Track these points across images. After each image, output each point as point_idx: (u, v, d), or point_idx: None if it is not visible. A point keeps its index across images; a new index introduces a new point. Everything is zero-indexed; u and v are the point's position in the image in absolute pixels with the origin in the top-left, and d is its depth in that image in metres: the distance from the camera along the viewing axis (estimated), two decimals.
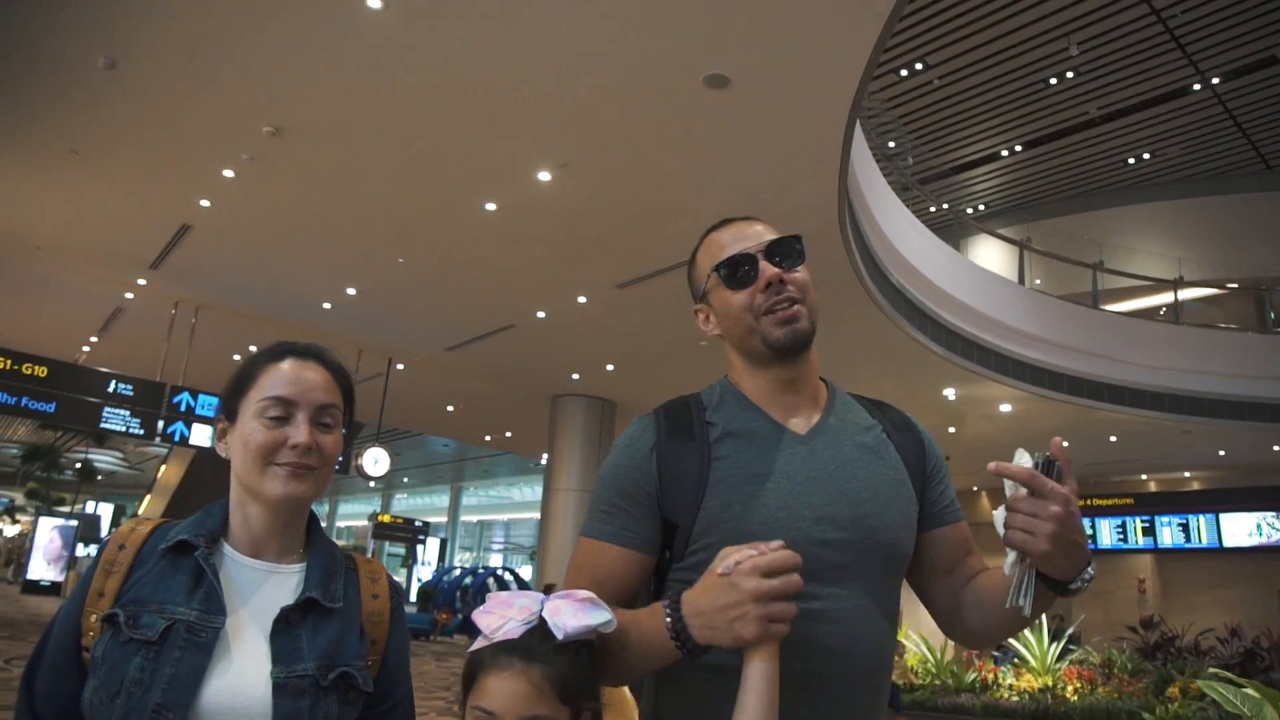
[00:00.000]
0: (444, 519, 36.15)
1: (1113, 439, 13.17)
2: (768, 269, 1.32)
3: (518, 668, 1.12)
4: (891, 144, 15.69)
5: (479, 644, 1.16)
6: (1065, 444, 1.16)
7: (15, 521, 43.65)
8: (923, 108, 15.03)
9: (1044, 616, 9.31)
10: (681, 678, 1.25)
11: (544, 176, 6.91)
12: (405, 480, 35.05)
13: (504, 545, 37.20)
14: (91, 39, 5.64)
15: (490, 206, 7.45)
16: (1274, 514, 14.16)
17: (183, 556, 1.19)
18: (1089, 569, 1.15)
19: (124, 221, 8.44)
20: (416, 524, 27.25)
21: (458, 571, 25.06)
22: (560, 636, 1.13)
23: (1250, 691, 3.47)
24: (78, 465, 35.71)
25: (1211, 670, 5.60)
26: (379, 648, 1.27)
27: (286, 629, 1.18)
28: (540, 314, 9.86)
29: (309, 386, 1.24)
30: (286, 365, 1.26)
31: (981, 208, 18.51)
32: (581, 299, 9.31)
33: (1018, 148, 16.21)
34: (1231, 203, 15.58)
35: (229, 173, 7.23)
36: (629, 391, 12.65)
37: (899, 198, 10.17)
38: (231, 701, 1.12)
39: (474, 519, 37.96)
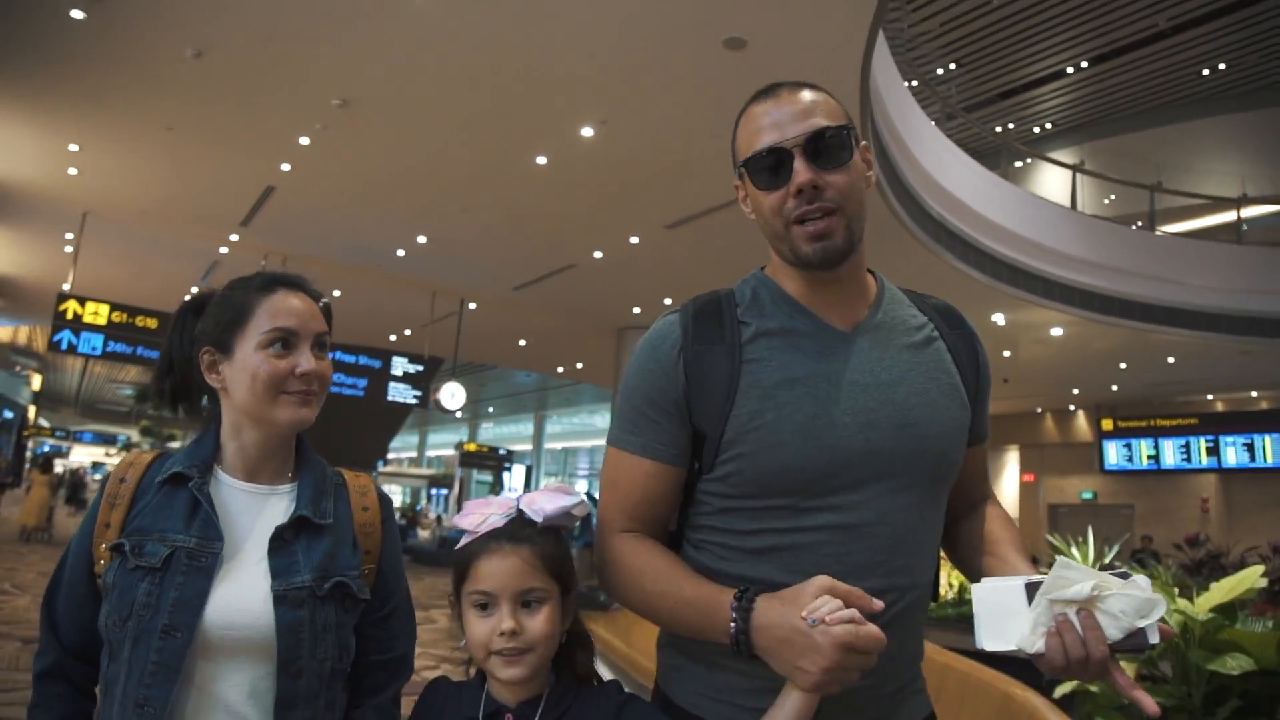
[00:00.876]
0: (529, 446, 37.26)
1: (1170, 360, 13.29)
2: (801, 171, 1.18)
3: (507, 549, 1.19)
4: (940, 70, 15.62)
5: (465, 540, 1.23)
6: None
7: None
8: (984, 27, 14.90)
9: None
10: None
11: (587, 132, 7.53)
12: (490, 410, 36.29)
13: (589, 471, 38.31)
14: (182, 32, 6.43)
15: (541, 160, 8.12)
16: None
17: (179, 487, 1.26)
18: None
19: (216, 187, 9.38)
20: (501, 452, 28.50)
21: None
22: (540, 520, 1.21)
23: None
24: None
25: None
26: (373, 557, 1.33)
27: (282, 546, 1.25)
28: (597, 254, 10.54)
29: (307, 316, 1.30)
30: (284, 295, 1.30)
31: (1049, 126, 18.27)
32: (634, 239, 9.95)
33: (1084, 64, 15.95)
34: None
35: (305, 140, 8.05)
36: None
37: (942, 128, 10.40)
38: (235, 617, 1.20)
39: (559, 446, 39.31)
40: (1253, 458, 15.02)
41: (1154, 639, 1.00)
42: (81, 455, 50.71)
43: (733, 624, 1.08)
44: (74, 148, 8.63)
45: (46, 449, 42.37)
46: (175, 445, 35.21)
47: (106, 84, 7.32)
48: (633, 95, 6.96)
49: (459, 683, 1.27)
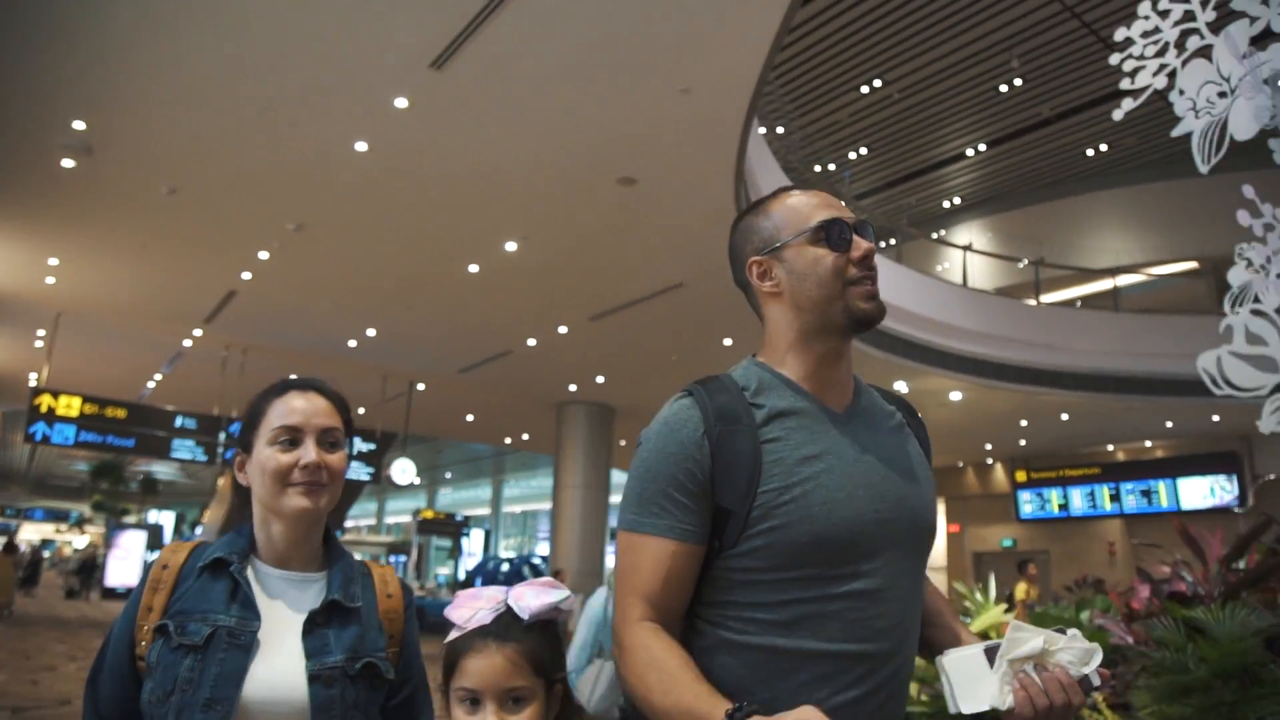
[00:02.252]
0: (488, 510, 37.28)
1: (1064, 417, 14.76)
2: (863, 242, 1.33)
3: (493, 647, 1.23)
4: (853, 155, 17.29)
5: (454, 634, 1.27)
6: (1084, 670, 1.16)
7: (84, 533, 46.93)
8: (890, 116, 16.57)
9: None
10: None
11: (510, 246, 8.83)
12: (448, 476, 36.97)
13: (548, 534, 38.61)
14: (158, 173, 7.64)
15: (473, 269, 9.40)
16: (1224, 477, 15.61)
17: (219, 572, 1.35)
18: None
19: (183, 291, 10.54)
20: (458, 518, 29.14)
21: (494, 562, 26.76)
22: (526, 617, 1.26)
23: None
24: (140, 478, 38.61)
25: None
26: (396, 640, 1.43)
27: (315, 628, 1.34)
28: (531, 342, 11.79)
29: (312, 413, 1.40)
30: (291, 397, 1.42)
31: (957, 201, 20.03)
32: (563, 329, 11.23)
33: (982, 146, 17.72)
34: (1181, 186, 16.91)
35: (264, 255, 9.25)
36: (622, 397, 14.58)
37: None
38: (272, 693, 1.29)
39: (518, 509, 39.94)
40: (1150, 502, 16.49)
41: (1097, 682, 1.16)
42: (30, 533, 50.07)
43: None
44: (53, 262, 9.75)
45: None
46: (130, 520, 35.44)
47: (89, 212, 8.50)
48: (548, 218, 8.29)
49: None
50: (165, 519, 42.75)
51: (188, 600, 1.33)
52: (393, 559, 37.54)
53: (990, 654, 1.18)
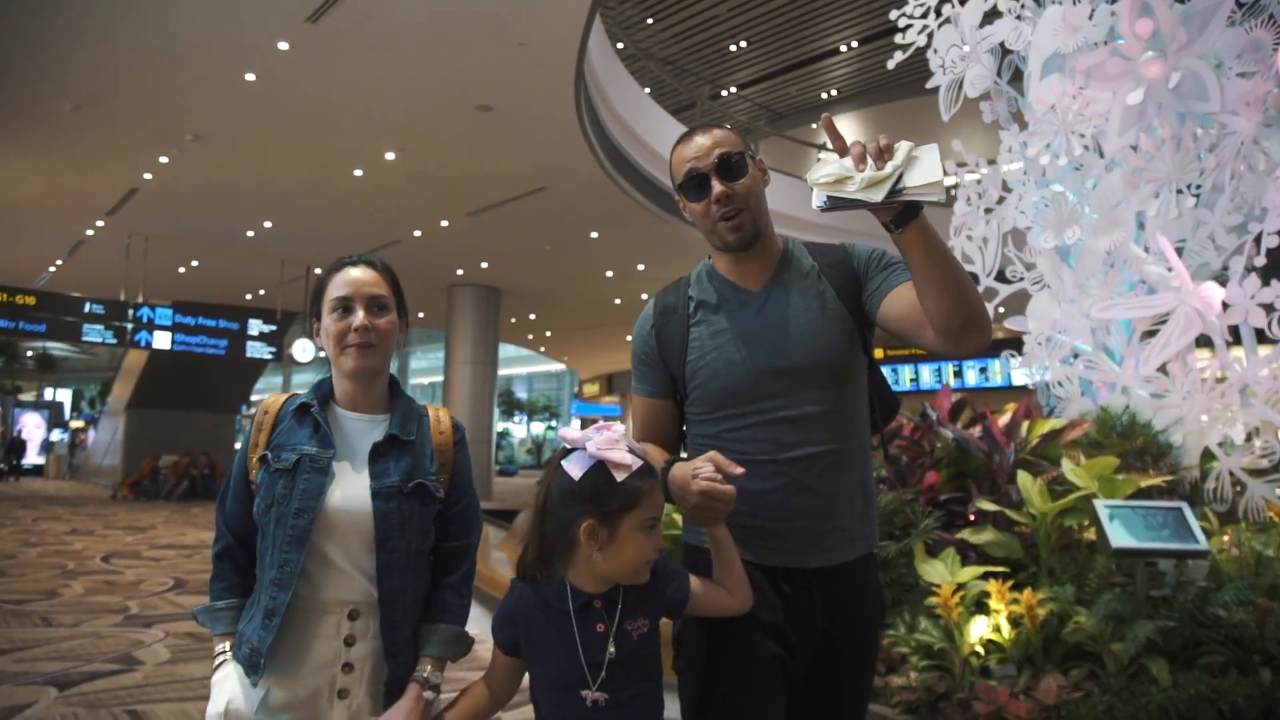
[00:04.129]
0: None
1: None
2: (717, 186, 1.71)
3: (658, 483, 1.61)
4: (733, 47, 18.63)
5: (622, 473, 1.54)
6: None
7: None
8: (766, 13, 17.89)
9: None
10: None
11: (390, 156, 10.26)
12: None
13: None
14: (63, 91, 8.79)
15: (358, 173, 10.80)
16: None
17: (304, 414, 1.73)
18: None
19: (83, 188, 11.71)
20: None
21: None
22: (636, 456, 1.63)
23: None
24: (29, 354, 38.87)
25: None
26: (447, 468, 1.78)
27: (378, 457, 1.70)
28: (417, 233, 13.32)
29: (361, 284, 1.72)
30: (345, 272, 1.74)
31: (834, 93, 21.66)
32: (444, 223, 12.76)
33: (854, 43, 19.25)
34: None
35: (164, 159, 10.47)
36: (507, 280, 16.29)
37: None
38: (345, 505, 1.66)
39: (426, 381, 41.55)
40: (987, 379, 19.17)
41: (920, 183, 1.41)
42: None
43: (662, 471, 1.65)
44: None
45: None
46: (27, 399, 35.93)
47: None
48: (421, 136, 9.78)
49: (534, 581, 1.62)
50: (63, 396, 43.14)
51: (281, 436, 1.70)
52: None
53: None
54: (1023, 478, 4.52)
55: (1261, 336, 5.64)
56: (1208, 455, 5.48)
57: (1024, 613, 3.95)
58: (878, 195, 1.40)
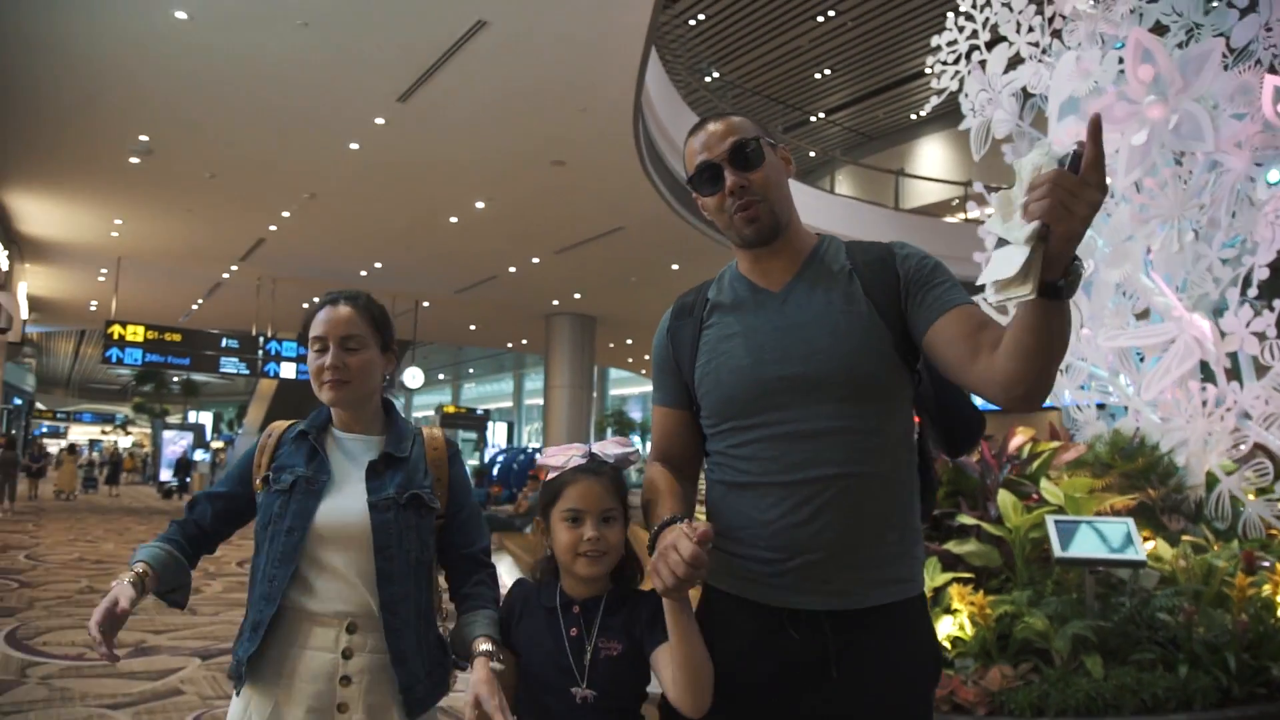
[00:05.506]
0: (511, 404, 40.10)
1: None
2: (730, 177, 1.58)
3: (592, 479, 1.66)
4: (818, 75, 19.20)
5: (555, 473, 1.69)
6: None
7: (128, 433, 51.14)
8: (846, 42, 18.48)
9: None
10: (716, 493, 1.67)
11: (480, 205, 11.44)
12: (471, 371, 39.99)
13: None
14: (199, 160, 10.27)
15: (454, 220, 12.03)
16: None
17: (303, 440, 1.85)
18: (1078, 263, 1.22)
19: (221, 239, 13.43)
20: (479, 412, 31.77)
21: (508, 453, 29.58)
22: (612, 460, 1.71)
23: None
24: (174, 380, 42.29)
25: None
26: (443, 482, 1.89)
27: (375, 474, 1.81)
28: (511, 269, 14.52)
29: (335, 323, 1.82)
30: (322, 311, 1.85)
31: (923, 114, 21.92)
32: (535, 260, 13.92)
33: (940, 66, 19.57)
34: None
35: (285, 214, 11.93)
36: (600, 309, 17.39)
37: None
38: (344, 517, 1.76)
39: (539, 401, 42.69)
40: None
41: (1072, 148, 1.18)
42: (78, 434, 54.08)
43: (652, 531, 1.53)
44: (118, 221, 12.55)
45: (44, 430, 46.08)
46: (173, 420, 39.12)
47: (148, 190, 11.26)
48: (505, 188, 10.96)
49: (537, 582, 1.74)
50: (205, 419, 46.52)
51: (282, 459, 1.85)
52: None
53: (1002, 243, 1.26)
54: (1003, 495, 5.15)
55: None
56: (1212, 475, 5.94)
57: (977, 613, 4.62)
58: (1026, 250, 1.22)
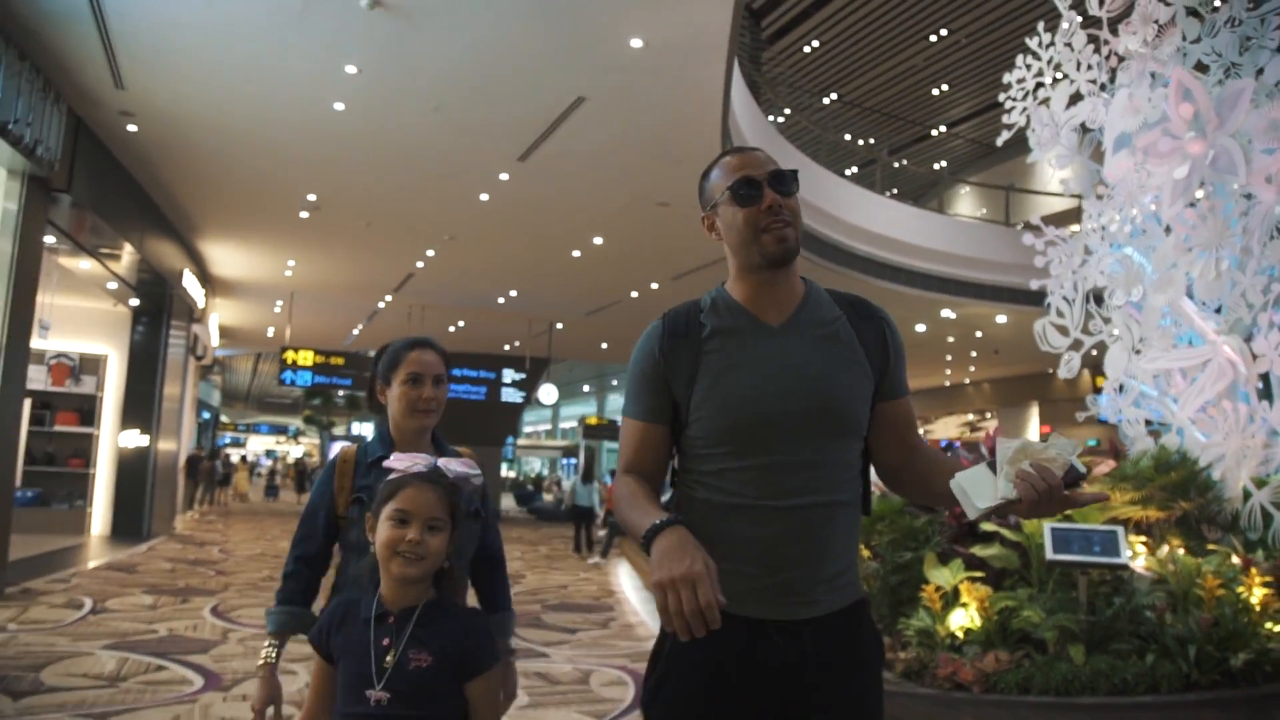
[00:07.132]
0: None
1: None
2: (770, 194, 1.71)
3: (427, 485, 1.79)
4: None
5: (396, 475, 1.82)
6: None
7: (299, 443, 55.55)
8: (971, 53, 18.91)
9: None
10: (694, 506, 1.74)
11: (598, 240, 12.70)
12: (614, 384, 41.60)
13: None
14: (356, 213, 11.97)
15: (576, 254, 13.41)
16: None
17: (379, 465, 2.04)
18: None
19: (375, 273, 15.28)
20: (619, 423, 33.39)
21: None
22: (451, 476, 1.88)
23: None
24: (340, 395, 45.71)
25: None
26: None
27: None
28: (634, 294, 15.84)
29: (428, 364, 2.25)
30: (415, 353, 2.24)
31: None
32: (654, 285, 15.16)
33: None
34: None
35: (430, 252, 13.60)
36: None
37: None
38: None
39: None
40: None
41: (1082, 470, 1.43)
42: (256, 444, 58.94)
43: (643, 540, 1.51)
44: (291, 262, 14.54)
45: (227, 441, 50.63)
46: (338, 432, 42.41)
47: (317, 237, 13.09)
48: (618, 225, 12.20)
49: (358, 598, 1.83)
50: (366, 429, 50.09)
51: (367, 480, 2.18)
52: (564, 462, 42.80)
53: (991, 467, 1.47)
54: None
55: None
56: (1245, 488, 6.54)
57: (980, 607, 5.47)
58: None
